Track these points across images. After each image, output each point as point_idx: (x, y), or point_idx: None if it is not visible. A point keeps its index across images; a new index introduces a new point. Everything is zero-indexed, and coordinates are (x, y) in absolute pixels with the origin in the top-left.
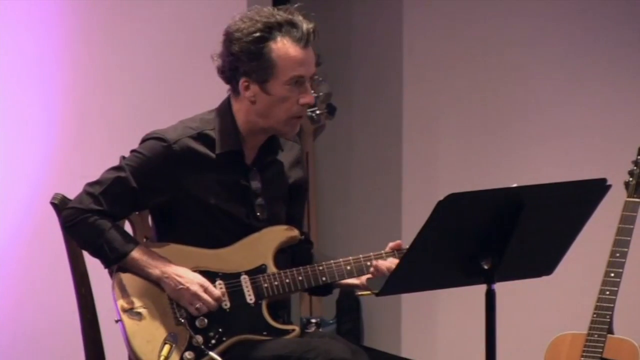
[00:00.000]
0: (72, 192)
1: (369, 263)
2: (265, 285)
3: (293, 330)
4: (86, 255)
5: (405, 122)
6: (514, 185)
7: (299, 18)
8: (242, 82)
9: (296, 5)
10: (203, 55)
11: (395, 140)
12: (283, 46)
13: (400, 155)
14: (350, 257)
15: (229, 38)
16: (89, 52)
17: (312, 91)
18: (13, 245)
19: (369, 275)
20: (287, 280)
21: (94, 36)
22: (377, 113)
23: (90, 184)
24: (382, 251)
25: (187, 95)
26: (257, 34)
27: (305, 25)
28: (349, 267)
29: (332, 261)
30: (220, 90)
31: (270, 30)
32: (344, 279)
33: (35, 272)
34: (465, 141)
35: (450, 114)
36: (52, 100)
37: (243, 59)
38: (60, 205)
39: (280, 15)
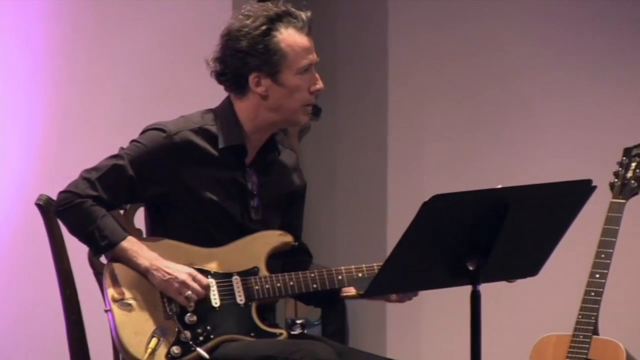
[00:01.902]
0: (57, 193)
1: (360, 274)
2: (257, 287)
3: (281, 334)
4: (71, 256)
5: (391, 123)
6: (499, 186)
7: (292, 8)
8: (252, 77)
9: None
10: (189, 56)
11: (380, 141)
12: (289, 36)
13: (385, 156)
14: (342, 267)
15: (234, 36)
16: (73, 53)
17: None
18: None
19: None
20: (279, 284)
21: (78, 37)
22: (362, 114)
23: (87, 170)
24: (374, 264)
25: (172, 97)
26: (264, 27)
27: (303, 14)
28: (340, 277)
29: (324, 269)
30: (207, 92)
31: (273, 22)
32: (334, 287)
33: (19, 273)
34: (451, 142)
35: (435, 115)
36: (36, 101)
37: (253, 53)
38: (45, 206)
39: (275, 8)
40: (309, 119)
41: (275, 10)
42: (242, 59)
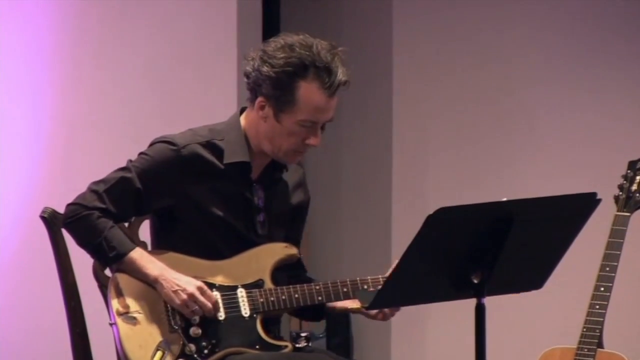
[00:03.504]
0: (62, 205)
1: (365, 287)
2: (262, 300)
3: (286, 346)
4: (76, 268)
5: (395, 134)
6: (504, 199)
7: (336, 65)
8: (259, 100)
9: (341, 48)
10: (196, 64)
11: (385, 153)
12: (310, 89)
13: (390, 168)
14: (348, 280)
15: (263, 58)
16: (78, 63)
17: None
18: (1, 259)
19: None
20: (284, 297)
21: (84, 46)
22: (366, 125)
23: (95, 182)
24: (380, 276)
25: (179, 105)
26: (290, 69)
27: (340, 77)
28: (345, 289)
29: (329, 282)
30: (213, 99)
31: (304, 67)
32: (340, 299)
33: (24, 285)
34: (455, 155)
35: (440, 127)
36: (41, 113)
37: (268, 83)
38: (50, 218)
39: (320, 54)
40: (293, 163)
41: (316, 58)
42: (258, 81)
